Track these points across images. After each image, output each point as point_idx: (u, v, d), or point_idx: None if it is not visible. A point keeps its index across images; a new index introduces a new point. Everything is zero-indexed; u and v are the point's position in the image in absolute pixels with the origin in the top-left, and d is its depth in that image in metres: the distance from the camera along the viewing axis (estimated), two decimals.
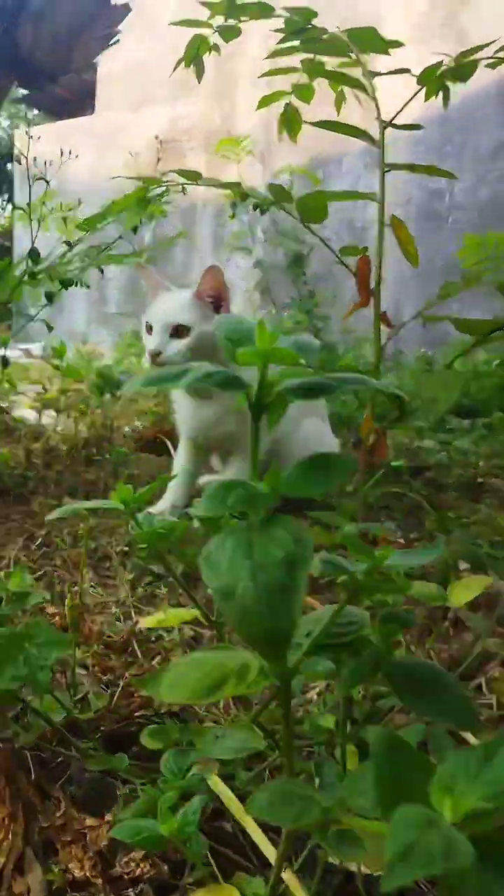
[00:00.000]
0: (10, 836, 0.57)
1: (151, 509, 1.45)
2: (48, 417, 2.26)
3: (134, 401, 2.85)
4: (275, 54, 1.55)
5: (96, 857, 0.55)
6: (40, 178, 1.56)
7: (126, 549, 1.28)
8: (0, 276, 1.50)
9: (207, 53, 1.78)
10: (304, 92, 1.66)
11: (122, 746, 0.73)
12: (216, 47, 1.79)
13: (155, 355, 1.31)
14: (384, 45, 1.52)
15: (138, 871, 0.54)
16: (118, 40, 2.24)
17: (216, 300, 1.34)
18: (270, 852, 0.51)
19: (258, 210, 4.40)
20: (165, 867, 0.55)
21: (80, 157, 8.11)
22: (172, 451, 1.96)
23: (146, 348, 1.34)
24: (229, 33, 1.64)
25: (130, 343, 6.23)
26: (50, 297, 1.60)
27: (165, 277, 1.47)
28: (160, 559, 1.31)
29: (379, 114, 1.42)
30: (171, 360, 1.30)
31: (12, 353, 6.69)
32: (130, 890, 0.54)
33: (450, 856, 0.26)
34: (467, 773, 0.29)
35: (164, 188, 1.32)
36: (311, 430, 1.51)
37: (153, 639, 0.99)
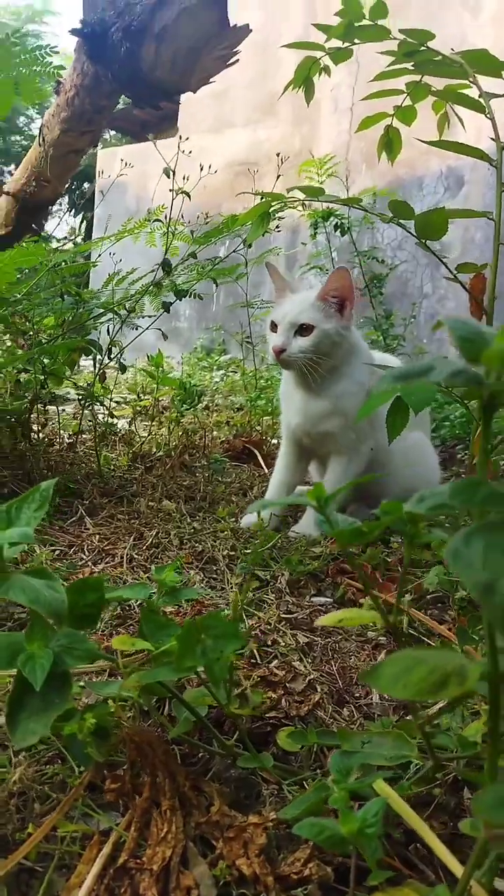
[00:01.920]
0: (173, 829, 0.58)
1: (250, 517, 1.46)
2: (126, 423, 2.31)
3: (216, 411, 2.89)
4: (384, 76, 1.56)
5: (262, 854, 0.55)
6: (182, 192, 1.60)
7: (232, 553, 1.29)
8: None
9: (317, 76, 1.82)
10: (407, 114, 1.67)
11: (258, 746, 0.73)
12: (327, 69, 1.82)
13: (279, 352, 1.34)
14: (500, 67, 1.51)
15: (306, 872, 0.54)
16: (237, 60, 2.30)
17: (340, 301, 1.36)
18: (449, 859, 0.50)
19: (338, 230, 4.38)
20: (329, 869, 0.55)
21: (156, 178, 8.34)
22: (261, 461, 1.97)
23: (270, 345, 1.38)
24: (341, 56, 1.67)
25: (200, 357, 6.31)
26: (167, 307, 1.64)
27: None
28: (265, 565, 1.31)
29: (497, 134, 1.42)
30: (293, 356, 1.33)
31: (86, 362, 6.88)
32: (300, 889, 0.53)
33: None
34: None
35: (281, 203, 1.34)
36: (413, 441, 1.50)
37: (269, 643, 0.99)
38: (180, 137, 1.86)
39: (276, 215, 1.40)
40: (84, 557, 1.19)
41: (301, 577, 1.22)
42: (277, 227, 1.50)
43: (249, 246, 1.58)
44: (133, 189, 8.04)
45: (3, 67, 1.47)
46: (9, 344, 1.58)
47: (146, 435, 2.03)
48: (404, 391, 1.02)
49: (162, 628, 0.63)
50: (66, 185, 3.30)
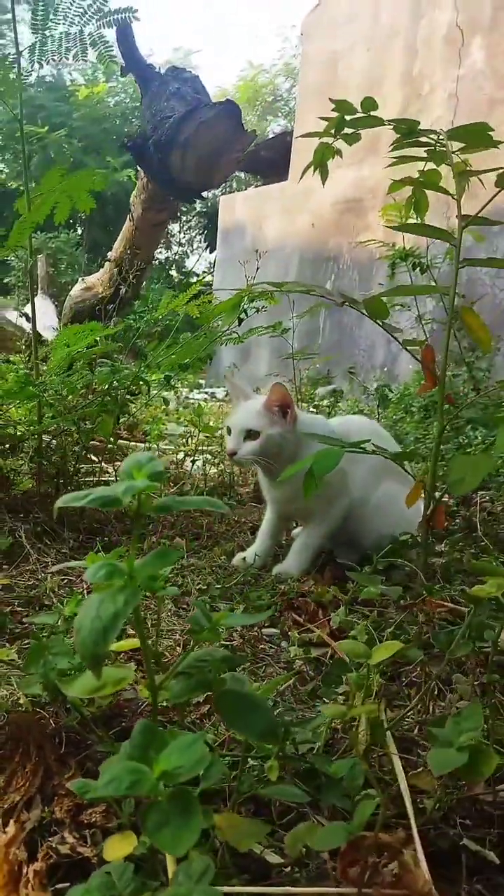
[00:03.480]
0: (27, 785, 0.84)
1: (243, 555, 1.70)
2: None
3: None
4: (394, 164, 1.74)
5: (73, 806, 0.80)
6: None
7: (205, 587, 1.53)
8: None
9: (331, 158, 2.04)
10: (432, 176, 1.83)
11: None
12: (339, 152, 2.03)
13: (231, 454, 1.59)
14: (492, 142, 1.63)
15: (94, 819, 0.77)
16: (245, 160, 2.61)
17: (283, 408, 1.59)
18: None
19: (417, 269, 4.48)
20: (116, 821, 0.78)
21: (271, 219, 8.82)
22: None
23: (228, 446, 1.63)
24: (351, 139, 1.89)
25: (307, 388, 6.54)
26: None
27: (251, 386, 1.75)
28: (229, 598, 1.54)
29: (459, 211, 1.57)
30: (244, 458, 1.57)
31: (199, 395, 7.36)
32: (87, 830, 0.77)
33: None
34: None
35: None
36: (384, 492, 1.65)
37: None
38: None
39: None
40: (84, 586, 1.50)
41: (255, 609, 1.43)
42: (258, 310, 1.73)
43: (239, 322, 1.82)
44: (251, 230, 8.56)
45: (56, 187, 1.85)
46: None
47: (190, 473, 2.33)
48: (314, 461, 1.22)
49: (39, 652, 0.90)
50: (154, 252, 3.75)
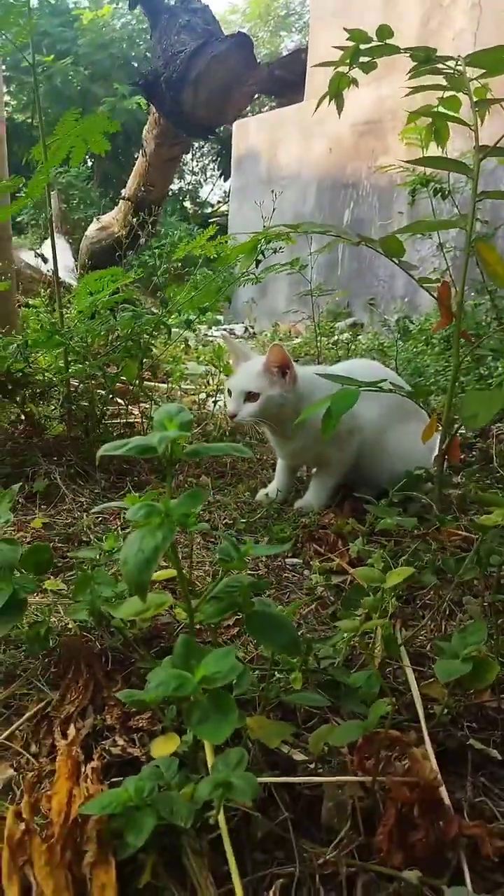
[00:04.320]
0: (80, 698, 0.95)
1: (265, 490, 1.78)
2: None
3: None
4: (413, 91, 1.71)
5: (122, 715, 0.91)
6: None
7: (231, 522, 1.62)
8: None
9: (347, 88, 2.00)
10: (451, 104, 1.80)
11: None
12: (355, 81, 1.99)
13: (232, 416, 1.63)
14: None
15: (142, 724, 0.88)
16: (259, 96, 2.52)
17: (282, 369, 1.61)
18: None
19: (438, 195, 4.39)
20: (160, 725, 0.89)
21: (286, 144, 8.51)
22: None
23: (228, 408, 1.65)
24: (367, 67, 1.85)
25: (326, 322, 6.48)
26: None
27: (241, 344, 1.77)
28: (254, 531, 1.63)
29: (477, 142, 1.55)
30: (244, 420, 1.61)
31: (217, 332, 7.36)
32: (136, 735, 0.88)
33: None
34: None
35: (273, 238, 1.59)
36: (401, 433, 1.70)
37: None
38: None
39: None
40: (118, 523, 1.60)
41: (279, 541, 1.52)
42: (274, 251, 1.74)
43: (257, 265, 1.84)
44: (265, 157, 8.28)
45: (71, 131, 1.85)
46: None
47: (213, 413, 2.40)
48: (332, 401, 1.28)
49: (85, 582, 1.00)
50: (168, 188, 3.70)
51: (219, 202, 16.16)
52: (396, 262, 1.50)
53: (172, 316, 2.04)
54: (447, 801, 0.78)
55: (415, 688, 0.99)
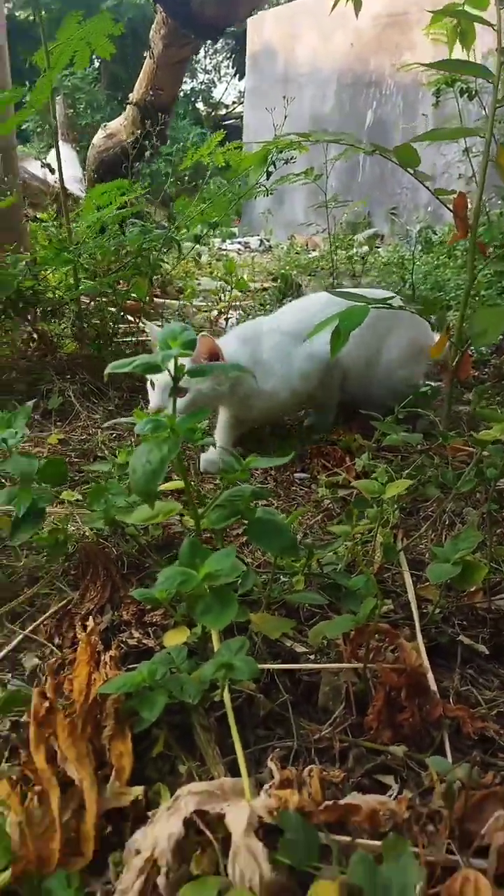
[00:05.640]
0: (98, 597, 1.03)
1: (208, 457, 1.69)
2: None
3: None
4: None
5: (137, 611, 0.99)
6: None
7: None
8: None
9: None
10: (479, 1, 1.69)
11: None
12: None
13: (156, 412, 1.44)
14: None
15: (156, 619, 0.96)
16: None
17: (211, 359, 1.45)
18: None
19: (465, 95, 4.17)
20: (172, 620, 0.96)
21: (305, 39, 8.02)
22: None
23: (151, 404, 1.47)
24: None
25: (345, 235, 6.27)
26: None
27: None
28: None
29: (500, 44, 1.47)
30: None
31: (232, 245, 7.13)
32: (150, 629, 0.96)
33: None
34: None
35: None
36: (386, 353, 1.71)
37: None
38: None
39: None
40: (132, 440, 1.65)
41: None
42: (286, 161, 1.69)
43: (268, 176, 1.79)
44: (282, 54, 7.78)
45: (74, 35, 1.77)
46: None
47: (225, 330, 2.40)
48: (342, 319, 1.28)
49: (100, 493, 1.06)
50: (178, 91, 3.53)
51: (233, 102, 15.28)
52: (412, 172, 1.46)
53: (182, 231, 2.01)
54: (434, 687, 0.85)
55: (411, 590, 1.05)
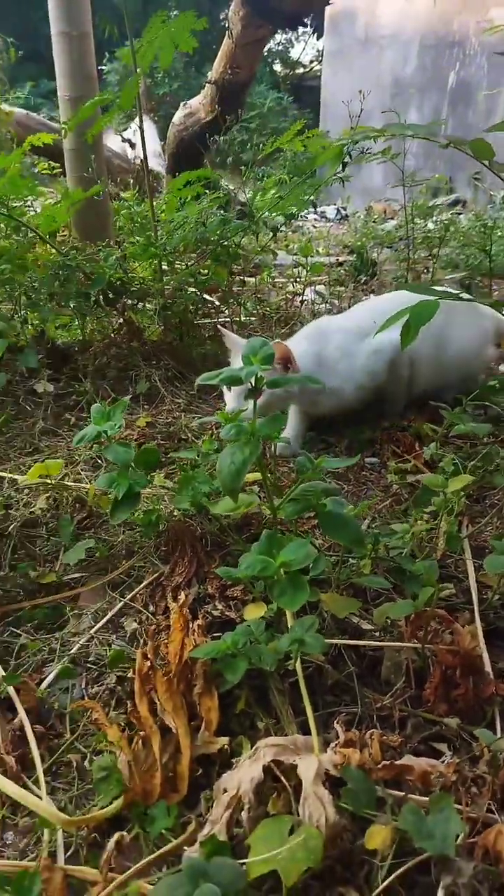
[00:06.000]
0: (185, 571, 1.16)
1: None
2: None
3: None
4: None
5: (220, 586, 1.11)
6: None
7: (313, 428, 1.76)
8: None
9: None
10: None
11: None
12: None
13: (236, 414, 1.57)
14: None
15: (236, 594, 1.08)
16: None
17: (284, 364, 1.50)
18: None
19: None
20: (251, 596, 1.08)
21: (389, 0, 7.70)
22: None
23: (228, 405, 1.54)
24: None
25: (424, 202, 6.11)
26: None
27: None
28: (336, 431, 1.73)
29: None
30: (248, 418, 1.59)
31: (310, 216, 7.04)
32: (232, 602, 1.08)
33: None
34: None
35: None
36: (453, 342, 1.74)
37: None
38: None
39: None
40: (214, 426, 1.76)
41: (359, 442, 1.65)
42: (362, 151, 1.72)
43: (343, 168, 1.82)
44: (363, 15, 7.54)
45: (159, 34, 1.86)
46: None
47: (300, 313, 2.47)
48: (412, 313, 1.34)
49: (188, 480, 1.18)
50: (256, 70, 3.55)
51: (312, 62, 14.88)
52: (486, 164, 1.47)
53: (259, 216, 2.08)
54: (489, 668, 0.93)
55: (472, 576, 1.13)
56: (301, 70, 14.68)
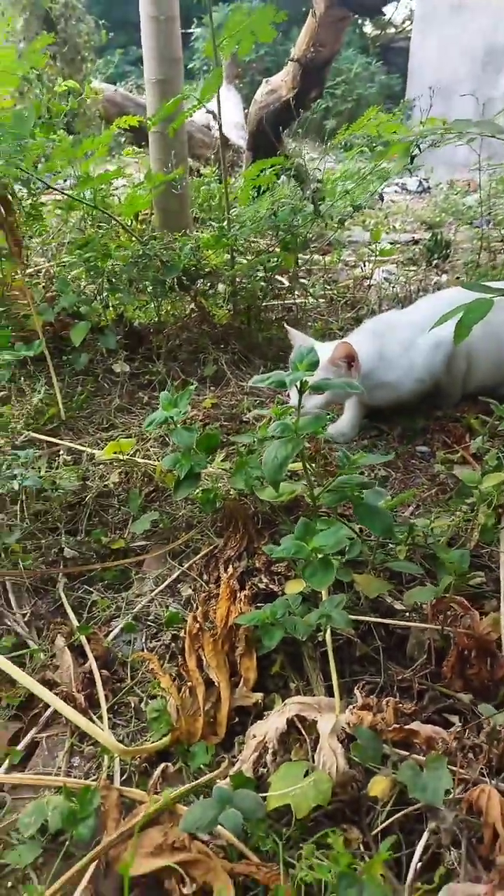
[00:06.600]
0: (237, 546, 1.29)
1: (338, 429, 1.81)
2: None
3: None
4: None
5: (267, 562, 1.23)
6: None
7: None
8: None
9: None
10: None
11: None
12: None
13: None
14: None
15: (280, 569, 1.20)
16: None
17: (348, 362, 1.61)
18: None
19: None
20: (293, 573, 1.20)
21: None
22: None
23: (291, 401, 1.65)
24: None
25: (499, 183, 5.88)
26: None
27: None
28: (388, 419, 1.80)
29: None
30: (309, 412, 1.64)
31: (388, 189, 6.91)
32: (276, 577, 1.20)
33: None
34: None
35: None
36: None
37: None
38: None
39: None
40: (272, 405, 1.87)
41: (412, 431, 1.72)
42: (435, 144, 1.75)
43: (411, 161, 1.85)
44: None
45: (240, 26, 1.93)
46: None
47: (367, 298, 2.52)
48: (466, 312, 1.40)
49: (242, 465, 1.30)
50: (339, 47, 3.53)
51: (404, 21, 14.29)
52: None
53: (326, 202, 2.13)
54: None
55: (503, 566, 1.20)
56: (392, 30, 14.14)
